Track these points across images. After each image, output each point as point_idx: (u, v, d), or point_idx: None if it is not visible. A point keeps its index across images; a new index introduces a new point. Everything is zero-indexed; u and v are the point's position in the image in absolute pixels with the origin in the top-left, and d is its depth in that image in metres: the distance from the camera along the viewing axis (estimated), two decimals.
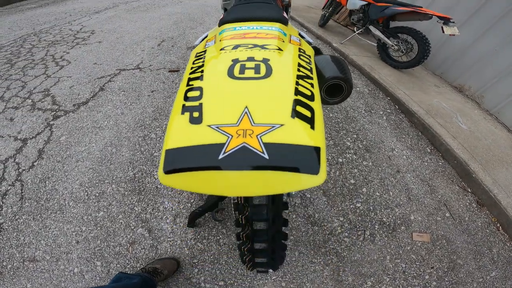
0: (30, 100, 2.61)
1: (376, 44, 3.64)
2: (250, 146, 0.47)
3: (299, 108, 0.57)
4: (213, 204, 1.38)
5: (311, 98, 0.62)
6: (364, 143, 2.31)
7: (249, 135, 0.49)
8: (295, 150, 0.48)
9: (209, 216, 1.56)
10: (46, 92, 2.72)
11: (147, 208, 1.63)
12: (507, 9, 2.64)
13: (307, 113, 0.56)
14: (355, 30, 3.84)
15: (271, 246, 0.94)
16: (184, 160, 0.47)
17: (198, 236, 1.49)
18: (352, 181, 1.98)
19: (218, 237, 1.49)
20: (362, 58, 3.66)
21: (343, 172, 2.03)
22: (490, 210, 1.85)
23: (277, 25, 1.03)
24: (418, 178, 2.07)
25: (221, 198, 1.40)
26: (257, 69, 0.67)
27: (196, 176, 0.46)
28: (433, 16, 2.83)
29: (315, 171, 0.47)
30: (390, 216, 1.75)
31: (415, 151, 2.34)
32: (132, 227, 1.54)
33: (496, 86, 2.77)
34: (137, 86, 2.77)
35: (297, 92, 0.61)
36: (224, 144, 0.48)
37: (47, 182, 1.79)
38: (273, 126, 0.51)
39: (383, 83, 2.99)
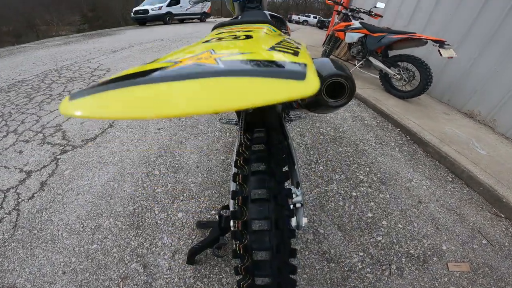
0: (42, 134, 2.74)
1: (378, 76, 3.77)
2: (203, 62, 0.35)
3: (279, 49, 0.50)
4: (214, 239, 1.33)
5: (296, 53, 0.49)
6: (378, 175, 2.25)
7: (204, 57, 0.38)
8: (267, 63, 0.35)
9: (210, 253, 1.48)
10: (58, 127, 2.87)
11: (144, 243, 1.58)
12: (495, 28, 2.75)
13: (290, 51, 0.49)
14: (356, 63, 4.04)
15: (277, 281, 0.77)
16: (106, 84, 0.31)
17: (198, 274, 1.39)
18: (370, 215, 1.86)
19: (220, 276, 1.39)
20: (367, 90, 3.78)
21: (358, 206, 1.93)
22: None
23: (268, 25, 1.04)
24: (443, 207, 1.93)
25: (223, 232, 1.35)
26: (236, 38, 0.64)
27: (119, 94, 0.28)
28: (428, 41, 2.97)
29: (299, 75, 0.32)
30: (418, 247, 1.59)
31: (435, 180, 2.23)
32: (126, 262, 1.47)
33: (505, 108, 2.73)
34: (144, 124, 2.90)
35: (278, 46, 0.54)
36: (166, 66, 0.35)
37: (43, 213, 1.79)
38: (242, 53, 0.41)
39: (391, 114, 3.04)
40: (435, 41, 2.88)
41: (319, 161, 2.37)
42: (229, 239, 1.55)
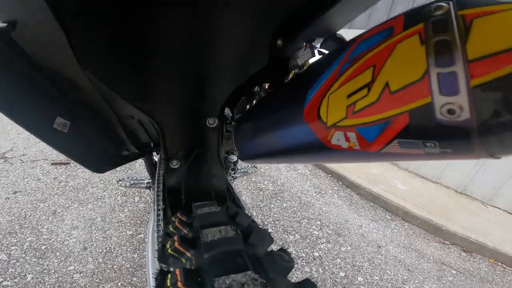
0: None
1: None
2: None
3: None
4: None
5: None
6: (331, 227, 2.17)
7: None
8: None
9: None
10: None
11: None
12: None
13: None
14: None
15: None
16: None
17: None
18: (342, 274, 1.68)
19: None
20: None
21: (326, 268, 1.73)
22: (481, 253, 1.81)
23: None
24: (400, 247, 1.96)
25: None
26: None
27: None
28: None
29: None
30: None
31: (378, 221, 2.31)
32: None
33: None
34: None
35: None
36: None
37: None
38: None
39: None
40: None
41: (266, 222, 2.12)
42: None
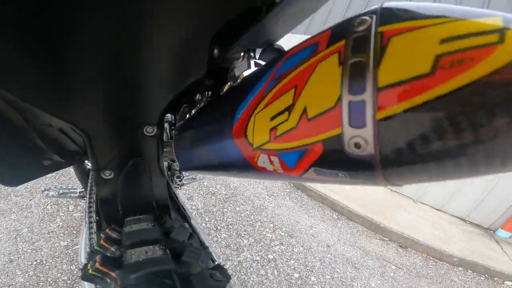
0: None
1: None
2: None
3: None
4: None
5: None
6: (284, 229, 2.20)
7: None
8: None
9: None
10: None
11: None
12: None
13: None
14: None
15: None
16: None
17: None
18: (296, 275, 1.72)
19: None
20: None
21: (281, 269, 1.75)
22: (415, 248, 2.03)
23: None
24: (346, 245, 2.09)
25: None
26: None
27: None
28: None
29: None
30: None
31: (327, 221, 2.44)
32: None
33: None
34: None
35: None
36: None
37: None
38: None
39: None
40: None
41: (220, 227, 2.06)
42: None
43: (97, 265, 0.39)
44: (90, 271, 0.39)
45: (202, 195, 2.45)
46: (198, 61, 0.40)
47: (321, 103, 0.22)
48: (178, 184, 1.35)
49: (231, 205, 2.41)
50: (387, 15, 0.20)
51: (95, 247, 0.45)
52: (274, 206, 2.52)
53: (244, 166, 0.35)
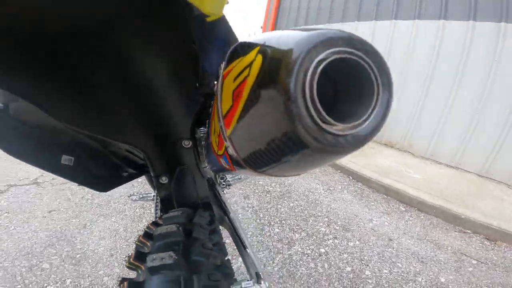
0: None
1: None
2: None
3: None
4: None
5: None
6: (339, 223, 2.08)
7: None
8: None
9: None
10: None
11: None
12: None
13: None
14: None
15: None
16: None
17: None
18: (349, 269, 1.60)
19: None
20: None
21: (332, 263, 1.66)
22: (507, 241, 1.65)
23: None
24: (414, 238, 1.84)
25: None
26: None
27: None
28: None
29: None
30: None
31: (391, 214, 2.19)
32: None
33: (416, 133, 3.16)
34: (29, 206, 2.25)
35: None
36: None
37: None
38: None
39: None
40: None
41: (273, 223, 2.08)
42: None
43: (131, 260, 0.51)
44: (127, 264, 0.51)
45: (257, 193, 2.53)
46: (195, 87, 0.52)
47: (217, 129, 0.33)
48: (224, 184, 1.47)
49: (285, 201, 2.41)
50: (230, 57, 0.28)
51: (136, 242, 0.57)
52: (330, 201, 2.41)
53: (225, 168, 0.43)
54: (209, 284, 0.47)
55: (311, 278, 1.53)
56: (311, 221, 2.12)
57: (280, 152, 0.22)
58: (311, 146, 0.21)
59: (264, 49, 0.24)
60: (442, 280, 1.41)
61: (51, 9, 0.32)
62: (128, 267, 0.52)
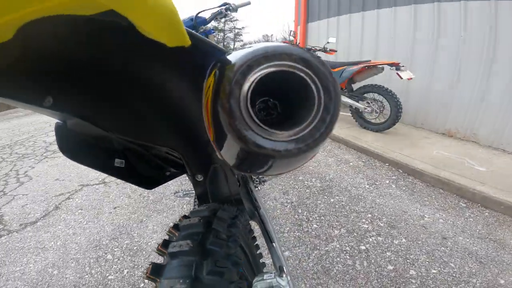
0: None
1: (350, 113, 3.79)
2: None
3: None
4: None
5: None
6: (384, 220, 1.94)
7: None
8: None
9: None
10: None
11: None
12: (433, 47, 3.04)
13: None
14: None
15: None
16: None
17: None
18: (390, 267, 1.49)
19: None
20: (343, 130, 3.70)
21: (372, 261, 1.56)
22: None
23: None
24: (473, 237, 1.61)
25: None
26: None
27: None
28: (384, 66, 3.11)
29: None
30: None
31: (448, 210, 1.95)
32: None
33: (479, 119, 2.74)
34: (98, 203, 2.60)
35: None
36: None
37: None
38: None
39: (374, 151, 2.92)
40: (391, 65, 3.06)
41: (311, 219, 2.04)
42: None
43: (159, 247, 0.59)
44: (156, 250, 0.60)
45: (297, 189, 2.51)
46: None
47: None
48: (257, 181, 1.52)
49: (325, 196, 2.34)
50: (208, 73, 0.34)
51: (167, 232, 0.66)
52: (375, 196, 2.25)
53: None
54: (215, 270, 0.52)
55: (347, 275, 1.46)
56: (352, 217, 2.02)
57: (244, 157, 0.28)
58: (261, 154, 0.27)
59: (216, 69, 0.29)
60: (502, 282, 1.21)
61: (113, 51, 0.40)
62: (157, 253, 0.60)
